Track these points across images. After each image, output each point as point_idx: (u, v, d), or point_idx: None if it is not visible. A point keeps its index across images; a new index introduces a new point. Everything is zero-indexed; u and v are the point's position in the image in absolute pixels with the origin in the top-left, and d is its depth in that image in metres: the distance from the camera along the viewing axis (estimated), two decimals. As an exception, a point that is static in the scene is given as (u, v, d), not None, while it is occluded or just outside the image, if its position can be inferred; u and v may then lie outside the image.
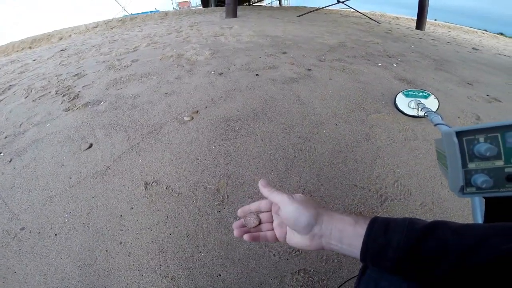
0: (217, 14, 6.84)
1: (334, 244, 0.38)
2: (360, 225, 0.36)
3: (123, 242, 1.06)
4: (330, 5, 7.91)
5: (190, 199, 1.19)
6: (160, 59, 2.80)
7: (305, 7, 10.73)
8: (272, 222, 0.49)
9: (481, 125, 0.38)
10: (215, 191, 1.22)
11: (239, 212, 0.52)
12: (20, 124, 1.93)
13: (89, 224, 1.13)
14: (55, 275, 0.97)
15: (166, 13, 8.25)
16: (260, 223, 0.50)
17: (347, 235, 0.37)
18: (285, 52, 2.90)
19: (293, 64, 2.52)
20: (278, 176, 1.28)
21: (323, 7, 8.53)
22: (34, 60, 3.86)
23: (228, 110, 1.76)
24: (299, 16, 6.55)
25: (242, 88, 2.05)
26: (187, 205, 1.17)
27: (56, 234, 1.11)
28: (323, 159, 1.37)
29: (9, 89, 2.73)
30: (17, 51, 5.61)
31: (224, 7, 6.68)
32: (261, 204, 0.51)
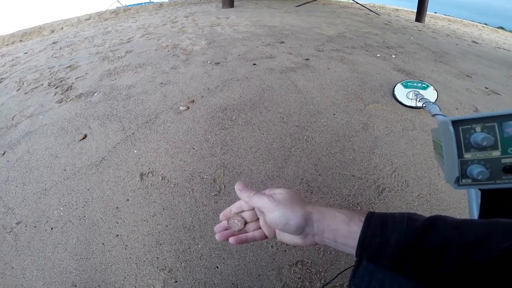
0: (213, 4, 6.69)
1: (328, 242, 0.37)
2: (355, 222, 0.35)
3: (120, 234, 1.04)
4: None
5: (187, 190, 1.18)
6: (155, 50, 2.73)
7: (303, -2, 10.52)
8: (258, 220, 0.46)
9: (478, 114, 0.37)
10: (212, 181, 1.21)
11: (221, 216, 0.48)
12: (13, 117, 1.89)
13: (85, 217, 1.12)
14: (53, 269, 0.96)
15: (161, 4, 8.06)
16: (245, 224, 0.46)
17: (341, 235, 0.35)
18: (282, 42, 2.85)
19: (291, 54, 2.48)
20: (275, 166, 1.26)
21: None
22: (26, 53, 3.76)
23: (225, 100, 1.73)
24: (297, 6, 6.43)
25: (239, 77, 2.01)
26: (184, 196, 1.16)
27: (52, 228, 1.09)
28: (320, 148, 1.36)
29: (0, 82, 2.67)
30: (7, 44, 5.46)
31: None
32: (243, 203, 0.47)
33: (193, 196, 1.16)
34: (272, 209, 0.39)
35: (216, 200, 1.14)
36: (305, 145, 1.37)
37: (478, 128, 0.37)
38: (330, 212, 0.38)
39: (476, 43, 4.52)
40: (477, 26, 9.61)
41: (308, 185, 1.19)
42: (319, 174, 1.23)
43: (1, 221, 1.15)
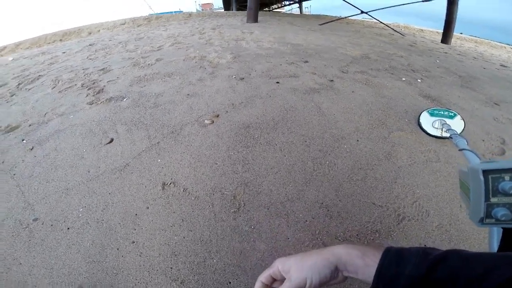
0: (238, 18, 6.93)
1: (352, 276, 0.41)
2: (369, 256, 0.38)
3: (136, 241, 1.06)
4: (353, 15, 7.85)
5: (207, 204, 1.19)
6: (184, 60, 2.84)
7: (326, 15, 10.70)
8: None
9: (508, 163, 0.39)
10: (232, 198, 1.21)
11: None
12: (45, 114, 1.99)
13: (103, 220, 1.14)
14: (62, 269, 0.97)
15: (189, 14, 8.46)
16: None
17: (360, 268, 0.38)
18: (306, 61, 2.88)
19: (315, 74, 2.49)
20: (296, 189, 1.25)
21: (345, 17, 8.47)
22: (64, 52, 4.02)
23: (248, 117, 1.76)
24: (321, 24, 6.53)
25: (263, 95, 2.04)
26: (203, 210, 1.16)
27: (68, 228, 1.11)
28: (342, 174, 1.34)
29: (38, 79, 2.85)
30: (49, 43, 5.88)
31: (245, 11, 6.76)
32: (272, 272, 0.48)
33: (212, 210, 1.16)
34: (308, 280, 0.41)
35: (235, 217, 1.13)
36: (327, 170, 1.36)
37: (507, 177, 0.39)
38: (344, 250, 0.41)
39: (505, 66, 4.35)
40: (505, 47, 9.28)
41: (328, 210, 1.17)
42: (340, 200, 1.21)
43: (19, 216, 1.17)
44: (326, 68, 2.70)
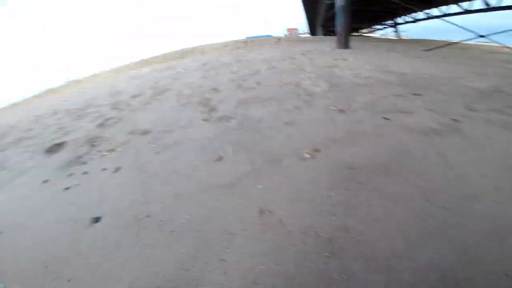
0: (326, 43, 6.87)
1: None
2: None
3: (225, 260, 1.08)
4: (469, 40, 6.56)
5: (299, 241, 1.14)
6: (279, 86, 2.99)
7: (430, 40, 9.35)
8: None
9: None
10: (327, 241, 1.13)
11: None
12: (170, 124, 2.41)
13: (202, 231, 1.22)
14: (152, 267, 1.06)
15: (279, 39, 9.05)
16: None
17: None
18: (419, 94, 2.53)
19: (432, 110, 2.15)
20: (406, 245, 1.07)
21: (457, 42, 7.19)
22: (184, 69, 4.89)
23: (352, 156, 1.64)
24: (426, 50, 5.75)
25: (368, 131, 1.88)
26: (295, 246, 1.12)
27: (171, 231, 1.23)
28: (471, 239, 1.08)
29: (165, 91, 3.54)
30: (173, 59, 7.36)
31: (333, 36, 6.66)
32: None
33: (303, 249, 1.11)
34: None
35: (326, 262, 1.04)
36: (452, 231, 1.12)
37: None
38: None
39: None
40: None
41: (443, 275, 0.96)
42: (461, 266, 0.98)
43: (136, 210, 1.36)
44: (446, 103, 2.29)
